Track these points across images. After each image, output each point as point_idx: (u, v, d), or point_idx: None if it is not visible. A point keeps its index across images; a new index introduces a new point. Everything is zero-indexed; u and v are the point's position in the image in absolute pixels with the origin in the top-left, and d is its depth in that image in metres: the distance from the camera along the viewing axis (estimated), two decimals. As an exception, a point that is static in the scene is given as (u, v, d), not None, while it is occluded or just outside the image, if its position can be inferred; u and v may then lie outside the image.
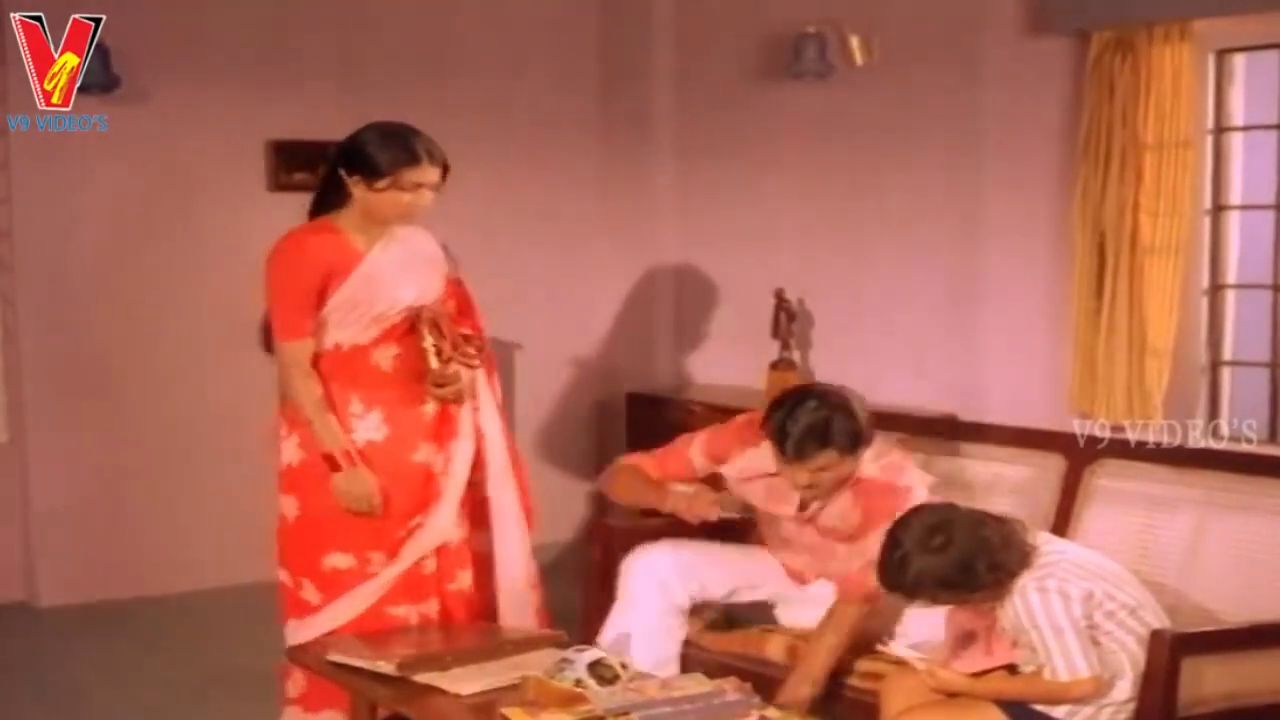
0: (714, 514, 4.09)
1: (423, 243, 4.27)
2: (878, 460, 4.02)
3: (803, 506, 4.09)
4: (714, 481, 4.26)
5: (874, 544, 3.74)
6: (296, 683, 4.22)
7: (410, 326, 4.16)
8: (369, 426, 4.12)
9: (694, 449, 4.25)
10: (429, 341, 4.14)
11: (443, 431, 4.23)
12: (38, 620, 5.92)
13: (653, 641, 4.02)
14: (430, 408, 4.20)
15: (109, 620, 5.83)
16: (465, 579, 4.26)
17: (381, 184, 4.02)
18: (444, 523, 4.19)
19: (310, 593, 4.16)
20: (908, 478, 3.99)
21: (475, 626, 4.24)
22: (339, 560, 4.13)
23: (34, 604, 6.06)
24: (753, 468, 4.10)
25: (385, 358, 4.14)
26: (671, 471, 4.25)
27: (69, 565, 6.06)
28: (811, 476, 3.92)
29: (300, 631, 4.15)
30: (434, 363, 4.14)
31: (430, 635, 4.12)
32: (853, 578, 3.91)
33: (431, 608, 4.19)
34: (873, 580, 3.73)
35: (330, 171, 4.13)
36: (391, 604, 4.14)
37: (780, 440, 3.89)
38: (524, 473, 4.44)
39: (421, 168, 4.04)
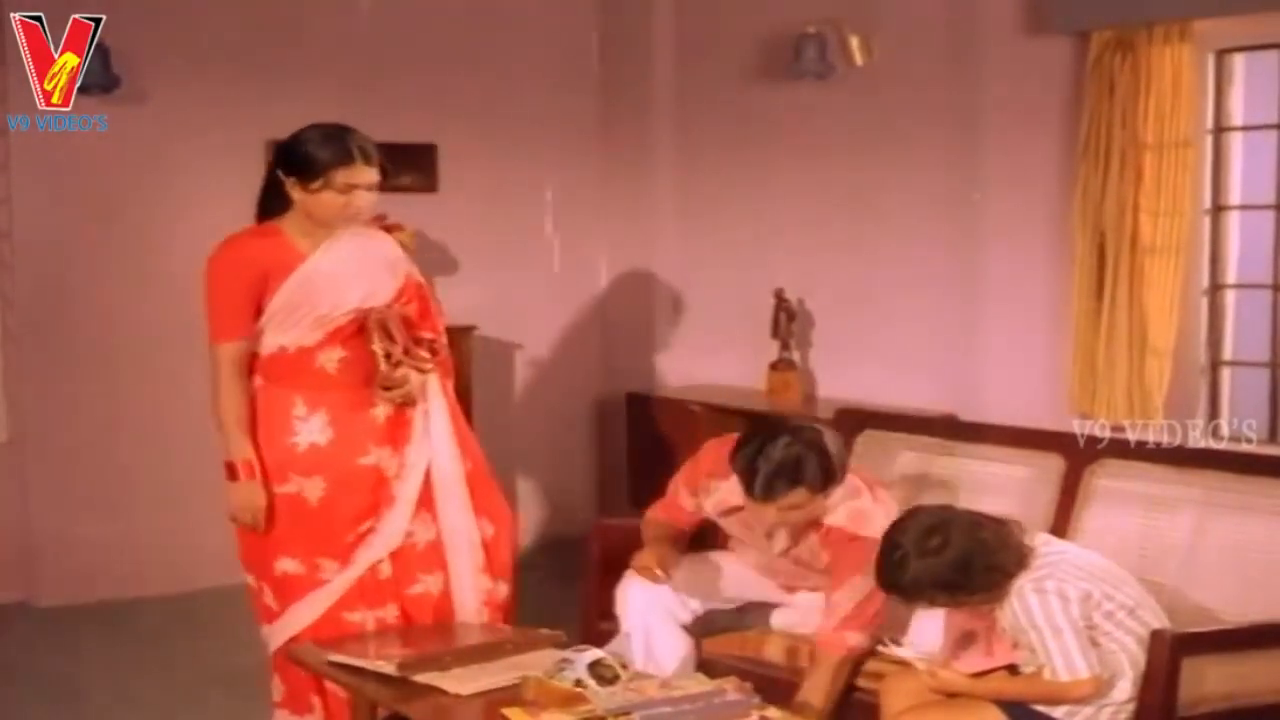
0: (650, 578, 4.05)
1: (376, 245, 4.23)
2: (847, 502, 3.87)
3: (771, 538, 4.02)
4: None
5: (844, 600, 3.79)
6: (277, 687, 4.22)
7: (359, 329, 4.12)
8: (313, 429, 4.09)
9: (680, 492, 4.20)
10: (377, 344, 4.10)
11: (397, 435, 4.19)
12: (38, 620, 5.92)
13: (663, 661, 4.00)
14: (380, 410, 4.16)
15: (109, 620, 5.83)
16: (432, 583, 4.22)
17: (315, 185, 4.00)
18: (397, 527, 4.15)
19: (269, 598, 4.16)
20: (873, 527, 3.75)
21: (475, 627, 4.24)
22: (289, 566, 4.11)
23: (34, 604, 6.06)
24: (728, 500, 4.01)
25: (330, 360, 4.09)
26: (676, 518, 4.21)
27: (69, 565, 6.06)
28: (780, 515, 3.80)
29: (271, 637, 4.17)
30: (382, 365, 4.10)
31: (430, 636, 4.11)
32: (829, 639, 3.82)
33: (389, 613, 4.15)
34: (851, 638, 3.78)
35: (270, 174, 4.11)
36: (347, 609, 4.10)
37: (749, 478, 3.73)
38: (484, 481, 4.32)
39: (354, 168, 4.00)
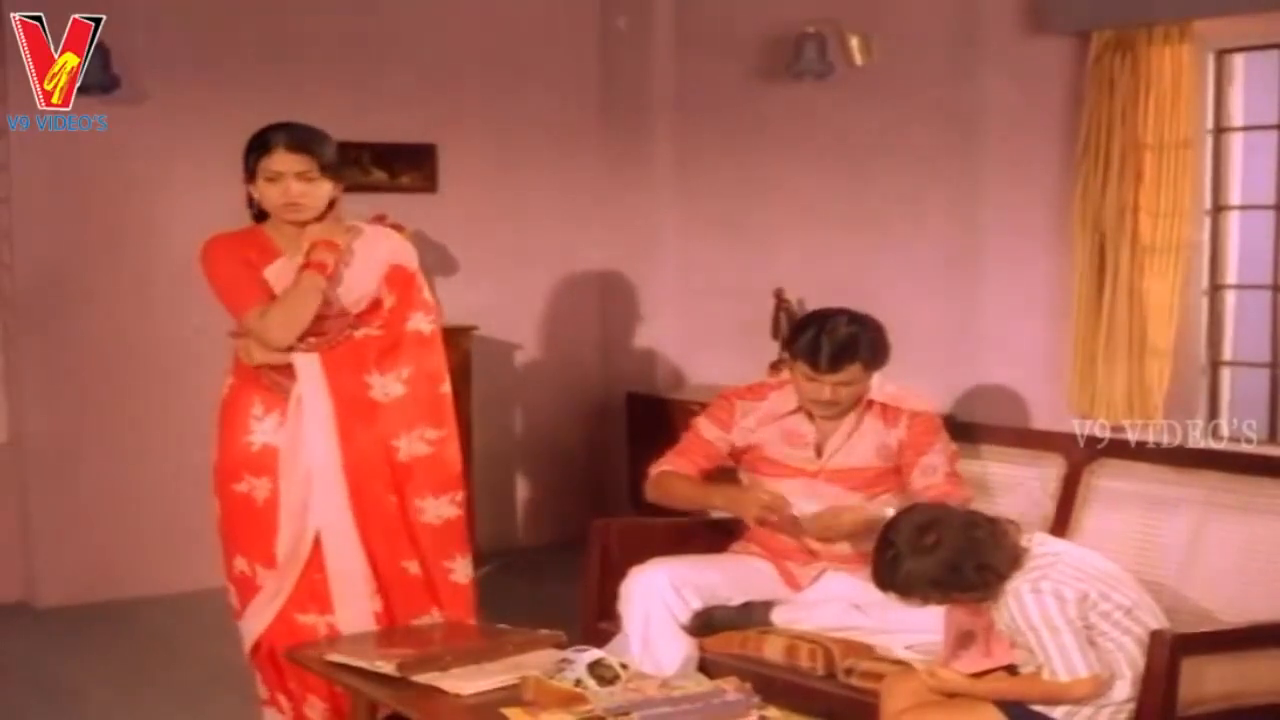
0: (754, 516, 4.18)
1: (366, 247, 4.17)
2: (884, 387, 4.26)
3: (818, 452, 4.23)
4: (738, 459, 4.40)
5: (938, 461, 4.17)
6: (260, 686, 4.23)
7: (318, 331, 4.08)
8: (266, 429, 4.07)
9: (705, 430, 4.37)
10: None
11: None
12: (37, 620, 5.92)
13: (664, 661, 4.01)
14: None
15: (109, 620, 5.83)
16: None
17: (256, 181, 4.06)
18: (291, 533, 4.05)
19: (233, 597, 4.18)
20: (920, 401, 4.29)
21: (475, 627, 4.24)
22: (242, 565, 4.12)
23: (33, 604, 6.06)
24: (774, 410, 4.30)
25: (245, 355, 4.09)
26: (701, 461, 4.34)
27: (68, 565, 6.06)
28: (834, 391, 4.13)
29: (243, 638, 4.18)
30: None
31: (430, 636, 4.11)
32: (946, 490, 4.08)
33: (338, 619, 4.11)
34: (962, 489, 4.13)
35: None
36: (299, 611, 4.08)
37: (813, 353, 4.11)
38: (410, 491, 4.16)
39: (273, 156, 4.01)
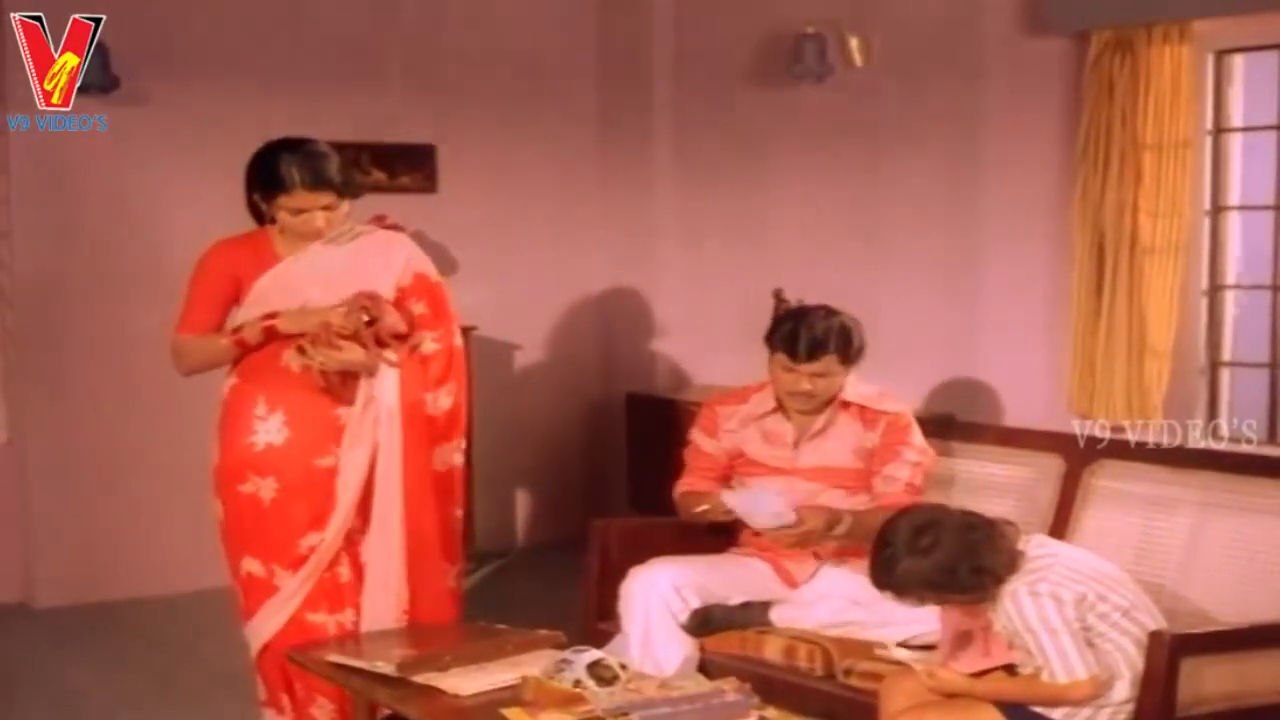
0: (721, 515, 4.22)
1: (377, 249, 4.18)
2: (859, 386, 4.33)
3: (795, 446, 4.28)
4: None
5: (902, 470, 4.21)
6: (261, 687, 4.24)
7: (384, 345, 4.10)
8: (270, 429, 4.08)
9: (701, 443, 4.44)
10: (349, 317, 4.01)
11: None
12: (36, 621, 5.91)
13: (663, 661, 4.01)
14: (344, 411, 4.09)
15: (108, 621, 5.83)
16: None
17: (275, 210, 4.05)
18: (336, 529, 4.09)
19: (240, 599, 4.19)
20: (894, 402, 4.34)
21: (476, 627, 4.24)
22: (252, 567, 4.12)
23: (32, 605, 6.06)
24: (753, 412, 4.39)
25: (295, 359, 4.08)
26: (709, 473, 4.41)
27: (68, 566, 6.06)
28: (810, 382, 4.22)
29: (249, 639, 4.18)
30: (336, 319, 3.99)
31: (430, 636, 4.11)
32: (898, 499, 4.07)
33: (348, 618, 4.13)
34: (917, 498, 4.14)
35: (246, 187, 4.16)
36: (310, 610, 4.10)
37: (791, 344, 4.22)
38: (445, 500, 4.24)
39: (294, 195, 4.00)
